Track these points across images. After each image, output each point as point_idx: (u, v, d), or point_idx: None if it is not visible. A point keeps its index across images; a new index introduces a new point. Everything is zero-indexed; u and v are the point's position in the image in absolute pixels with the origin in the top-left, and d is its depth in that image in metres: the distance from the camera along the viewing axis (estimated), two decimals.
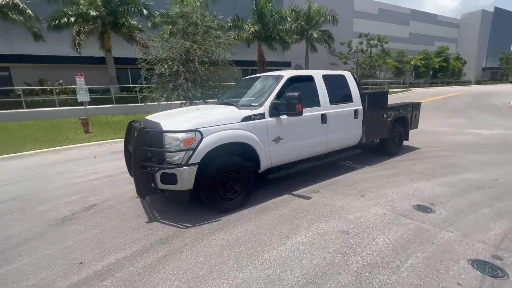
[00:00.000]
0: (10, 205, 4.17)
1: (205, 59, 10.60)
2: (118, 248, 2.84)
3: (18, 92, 15.71)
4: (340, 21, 32.41)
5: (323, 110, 4.36)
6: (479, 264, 2.32)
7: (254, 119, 3.59)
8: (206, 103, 9.97)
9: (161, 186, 3.23)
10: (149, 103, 12.14)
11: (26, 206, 4.13)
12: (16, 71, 17.35)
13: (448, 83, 47.96)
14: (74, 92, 14.36)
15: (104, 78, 17.95)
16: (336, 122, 4.56)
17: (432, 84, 45.81)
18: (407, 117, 6.14)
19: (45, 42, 15.65)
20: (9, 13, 13.70)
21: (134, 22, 16.63)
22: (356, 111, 4.87)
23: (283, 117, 3.84)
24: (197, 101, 11.11)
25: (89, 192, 4.60)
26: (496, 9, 56.22)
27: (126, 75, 20.86)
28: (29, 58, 16.72)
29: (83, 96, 11.17)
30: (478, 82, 53.00)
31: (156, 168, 3.12)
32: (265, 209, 3.60)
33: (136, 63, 10.88)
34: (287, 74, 4.15)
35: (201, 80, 11.01)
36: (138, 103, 16.65)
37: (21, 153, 7.87)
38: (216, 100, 5.32)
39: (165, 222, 3.37)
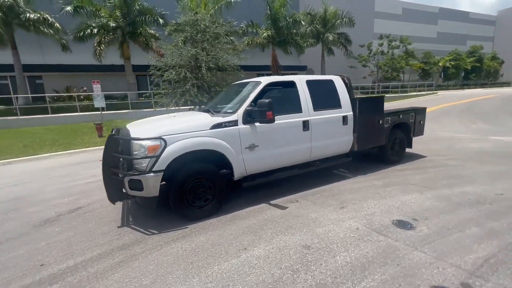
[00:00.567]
0: (8, 206, 4.48)
1: (211, 65, 10.78)
2: (81, 252, 2.92)
3: (48, 99, 17.13)
4: (359, 22, 31.56)
5: (305, 117, 4.20)
6: None
7: (225, 126, 3.55)
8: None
9: (130, 192, 3.29)
10: (158, 109, 12.57)
11: (21, 206, 4.42)
12: (47, 79, 18.95)
13: (483, 85, 44.40)
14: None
15: (125, 84, 18.97)
16: (320, 129, 4.37)
17: (463, 86, 42.69)
18: (408, 123, 5.73)
19: (71, 52, 16.94)
20: (41, 27, 15.03)
21: (152, 31, 17.44)
22: (344, 118, 4.63)
23: (259, 124, 3.76)
24: (204, 106, 11.31)
25: (82, 195, 4.82)
26: None
27: (146, 82, 21.88)
28: (58, 68, 18.18)
29: (99, 102, 11.88)
30: None
31: (123, 174, 3.19)
32: (236, 218, 3.52)
33: (147, 70, 11.36)
34: (265, 80, 4.07)
35: (208, 85, 11.21)
36: (152, 108, 17.35)
37: (38, 156, 8.49)
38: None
39: (135, 227, 3.42)
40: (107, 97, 17.58)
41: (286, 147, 4.07)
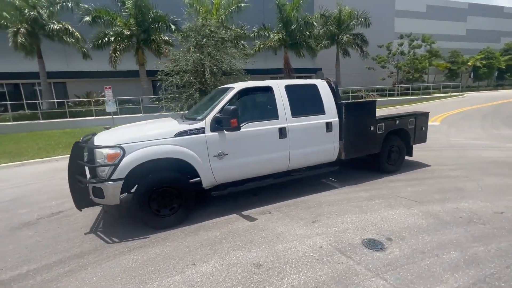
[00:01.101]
0: (2, 207, 4.71)
1: (214, 69, 10.86)
2: (39, 258, 2.96)
3: (70, 104, 18.24)
4: (379, 22, 30.35)
5: (282, 124, 4.00)
6: None
7: (191, 133, 3.46)
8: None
9: (94, 199, 3.30)
10: (164, 113, 12.89)
11: (14, 208, 4.63)
12: (70, 85, 20.21)
13: None
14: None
15: (141, 89, 19.71)
16: (300, 137, 4.14)
17: (497, 86, 39.41)
18: (407, 129, 5.28)
19: (91, 59, 17.91)
20: (64, 36, 16.07)
21: (166, 38, 17.97)
22: (328, 124, 4.36)
23: (229, 131, 3.63)
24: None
25: (69, 198, 4.94)
26: None
27: (161, 86, 22.60)
28: (79, 74, 19.32)
29: (110, 107, 12.41)
30: None
31: (85, 182, 3.20)
32: (201, 229, 3.40)
33: (155, 75, 11.72)
34: (238, 86, 3.94)
35: (211, 90, 11.30)
36: (163, 112, 17.84)
37: (50, 158, 8.98)
38: None
39: (100, 234, 3.42)
40: (122, 102, 18.40)
41: (260, 156, 3.89)
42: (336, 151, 4.56)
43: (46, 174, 6.92)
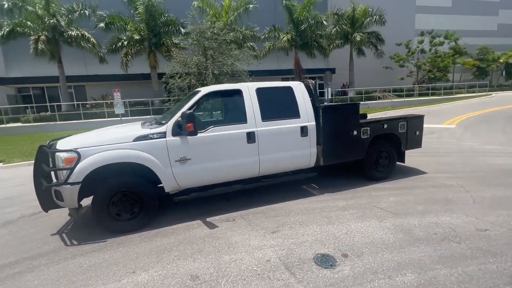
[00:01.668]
0: None
1: (216, 72, 10.89)
2: None
3: (88, 106, 19.21)
4: (398, 19, 28.96)
5: (251, 128, 3.86)
6: None
7: (151, 138, 3.43)
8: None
9: (57, 202, 3.37)
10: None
11: (5, 206, 4.88)
12: (89, 88, 21.31)
13: None
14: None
15: (152, 92, 20.33)
16: (270, 141, 3.97)
17: None
18: (397, 134, 4.90)
19: (107, 63, 18.74)
20: (81, 42, 16.98)
21: (177, 41, 18.37)
22: (304, 128, 4.14)
23: (192, 135, 3.56)
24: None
25: None
26: None
27: (170, 89, 23.16)
28: (97, 78, 20.30)
29: (119, 109, 12.86)
30: None
31: (45, 185, 3.27)
32: (158, 234, 3.36)
33: (160, 79, 12.01)
34: (205, 89, 3.85)
35: None
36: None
37: None
38: None
39: (63, 236, 3.49)
40: (135, 104, 19.07)
41: (226, 161, 3.78)
42: (313, 157, 4.32)
43: None
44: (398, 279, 2.28)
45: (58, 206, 3.54)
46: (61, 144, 3.37)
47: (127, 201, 3.44)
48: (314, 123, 4.24)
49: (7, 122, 16.33)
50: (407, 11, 30.31)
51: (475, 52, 31.29)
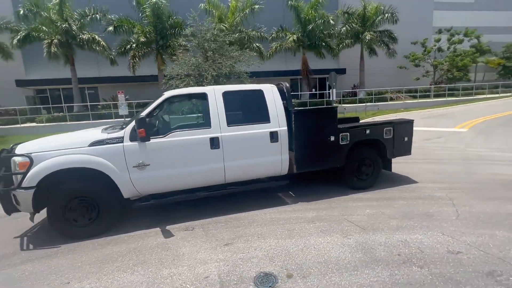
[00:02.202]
0: None
1: (214, 73, 10.83)
2: None
3: (99, 106, 19.90)
4: (414, 16, 27.67)
5: (215, 133, 3.69)
6: None
7: (107, 143, 3.36)
8: None
9: (17, 206, 3.38)
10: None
11: None
12: (101, 90, 22.10)
13: None
14: (129, 106, 17.07)
15: (160, 93, 20.71)
16: (237, 147, 3.79)
17: None
18: (382, 140, 4.55)
19: (118, 65, 19.31)
20: (93, 45, 17.59)
21: (185, 43, 18.58)
22: (273, 133, 3.92)
23: (151, 141, 3.46)
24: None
25: None
26: None
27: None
28: (108, 79, 20.99)
29: (123, 110, 13.19)
30: None
31: (1, 188, 3.28)
32: (112, 242, 3.28)
33: (163, 80, 12.17)
34: (168, 93, 3.74)
35: None
36: None
37: None
38: None
39: (24, 240, 3.50)
40: (142, 105, 19.46)
41: (188, 167, 3.64)
42: (286, 163, 4.09)
43: None
44: None
45: (18, 210, 3.56)
46: (19, 148, 3.38)
47: (84, 207, 3.39)
48: (285, 128, 4.00)
49: (23, 122, 17.22)
50: (424, 8, 28.84)
51: (501, 50, 29.22)
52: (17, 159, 3.16)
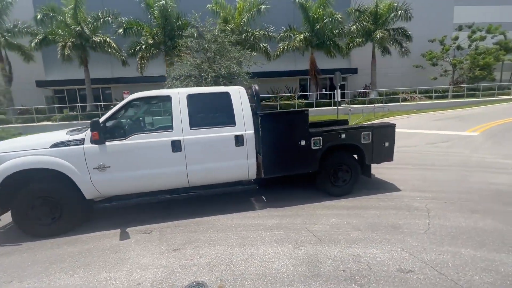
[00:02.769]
0: None
1: (212, 74, 10.84)
2: None
3: (111, 106, 20.62)
4: (434, 12, 26.25)
5: (177, 136, 3.66)
6: None
7: (68, 145, 3.43)
8: None
9: None
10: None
11: None
12: (114, 90, 22.92)
13: None
14: None
15: None
16: (200, 151, 3.74)
17: None
18: (359, 145, 4.31)
19: (129, 66, 19.93)
20: (105, 47, 18.28)
21: (193, 44, 18.82)
22: (239, 137, 3.82)
23: (111, 143, 3.50)
24: None
25: None
26: None
27: None
28: (120, 80, 21.72)
29: None
30: None
31: None
32: (69, 242, 3.34)
33: (163, 81, 12.43)
34: (133, 95, 3.75)
35: None
36: None
37: None
38: None
39: None
40: None
41: (149, 170, 3.63)
42: (253, 168, 3.98)
43: None
44: None
45: None
46: None
47: (48, 206, 3.48)
48: (252, 131, 3.90)
49: (40, 121, 18.21)
50: (444, 4, 27.33)
51: None
52: None
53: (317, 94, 21.24)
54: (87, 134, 3.49)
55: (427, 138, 9.38)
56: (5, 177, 3.25)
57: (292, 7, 22.99)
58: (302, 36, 18.78)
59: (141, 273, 2.61)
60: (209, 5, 18.32)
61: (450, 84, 23.76)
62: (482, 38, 22.34)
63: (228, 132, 3.82)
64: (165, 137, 3.65)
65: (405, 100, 21.43)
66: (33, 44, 16.94)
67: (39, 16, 16.24)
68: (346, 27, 19.97)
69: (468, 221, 3.33)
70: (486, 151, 7.23)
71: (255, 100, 4.09)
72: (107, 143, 3.49)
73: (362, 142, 4.33)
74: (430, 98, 21.76)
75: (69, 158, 3.41)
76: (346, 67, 25.17)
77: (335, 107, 14.95)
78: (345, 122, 5.87)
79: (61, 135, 3.66)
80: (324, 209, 3.95)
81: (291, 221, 3.60)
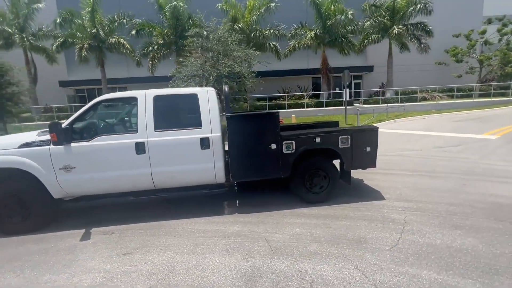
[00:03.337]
0: None
1: (214, 74, 10.82)
2: None
3: None
4: (460, 5, 24.38)
5: (141, 138, 3.63)
6: None
7: (35, 145, 3.52)
8: None
9: None
10: None
11: None
12: (130, 90, 23.73)
13: None
14: None
15: None
16: (165, 153, 3.68)
17: None
18: (336, 150, 4.03)
19: (143, 66, 20.56)
20: (119, 48, 18.99)
21: (198, 44, 18.99)
22: (204, 140, 3.72)
23: (77, 144, 3.55)
24: None
25: None
26: None
27: None
28: (136, 80, 22.47)
29: None
30: None
31: None
32: (31, 240, 3.42)
33: (168, 81, 12.64)
34: (101, 97, 3.77)
35: None
36: None
37: None
38: None
39: None
40: None
41: (114, 172, 3.64)
42: (220, 172, 3.86)
43: None
44: None
45: None
46: None
47: (18, 205, 3.60)
48: (219, 134, 3.78)
49: (61, 119, 19.33)
50: None
51: None
52: None
53: (328, 93, 20.59)
54: None
55: (437, 141, 8.71)
56: None
57: (304, 5, 22.52)
58: (312, 33, 18.27)
59: (82, 277, 2.60)
60: (219, 4, 18.39)
61: (477, 82, 22.02)
62: None
63: (194, 135, 3.73)
64: (129, 139, 3.64)
65: (424, 99, 20.19)
66: (54, 46, 17.98)
67: (58, 20, 17.20)
68: (360, 23, 19.13)
69: (445, 238, 2.98)
70: (499, 157, 6.55)
71: (225, 102, 3.96)
72: (73, 144, 3.54)
73: (340, 146, 4.04)
74: (452, 97, 20.31)
75: (35, 158, 3.49)
76: (361, 65, 24.20)
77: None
78: (335, 124, 5.57)
79: (31, 135, 3.77)
80: (293, 217, 3.74)
81: (252, 228, 3.44)
